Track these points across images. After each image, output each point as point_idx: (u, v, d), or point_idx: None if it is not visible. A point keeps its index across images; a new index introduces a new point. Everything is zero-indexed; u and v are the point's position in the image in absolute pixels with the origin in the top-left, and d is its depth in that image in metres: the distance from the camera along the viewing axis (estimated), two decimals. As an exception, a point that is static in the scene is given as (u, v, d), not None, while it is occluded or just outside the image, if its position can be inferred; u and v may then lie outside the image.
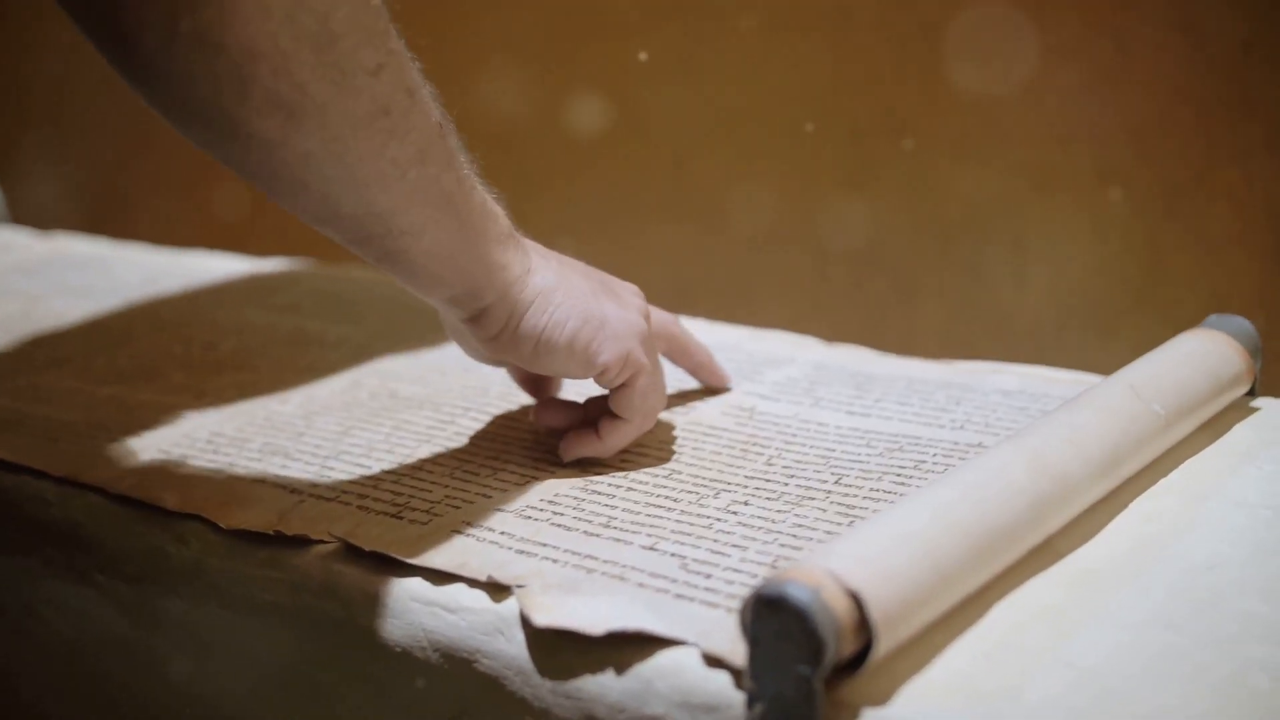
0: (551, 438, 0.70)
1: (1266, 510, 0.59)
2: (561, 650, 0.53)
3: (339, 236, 0.58)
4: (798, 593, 0.46)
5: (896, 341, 1.42)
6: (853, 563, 0.48)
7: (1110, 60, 1.31)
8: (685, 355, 0.75)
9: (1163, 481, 0.62)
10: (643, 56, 1.45)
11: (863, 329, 1.45)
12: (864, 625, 0.47)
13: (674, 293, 1.51)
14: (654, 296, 1.50)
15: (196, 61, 0.50)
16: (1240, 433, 0.67)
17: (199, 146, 0.54)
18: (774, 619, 0.46)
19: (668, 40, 1.47)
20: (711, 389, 0.77)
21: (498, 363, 0.69)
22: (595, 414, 0.68)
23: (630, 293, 0.69)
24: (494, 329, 0.64)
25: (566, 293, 0.65)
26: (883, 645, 0.47)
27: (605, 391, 0.68)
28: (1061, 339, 1.38)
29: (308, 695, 0.62)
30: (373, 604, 0.58)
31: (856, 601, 0.47)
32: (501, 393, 0.77)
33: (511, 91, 1.56)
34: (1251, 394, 0.72)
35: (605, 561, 0.57)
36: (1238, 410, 0.70)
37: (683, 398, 0.75)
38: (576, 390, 0.73)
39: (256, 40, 0.50)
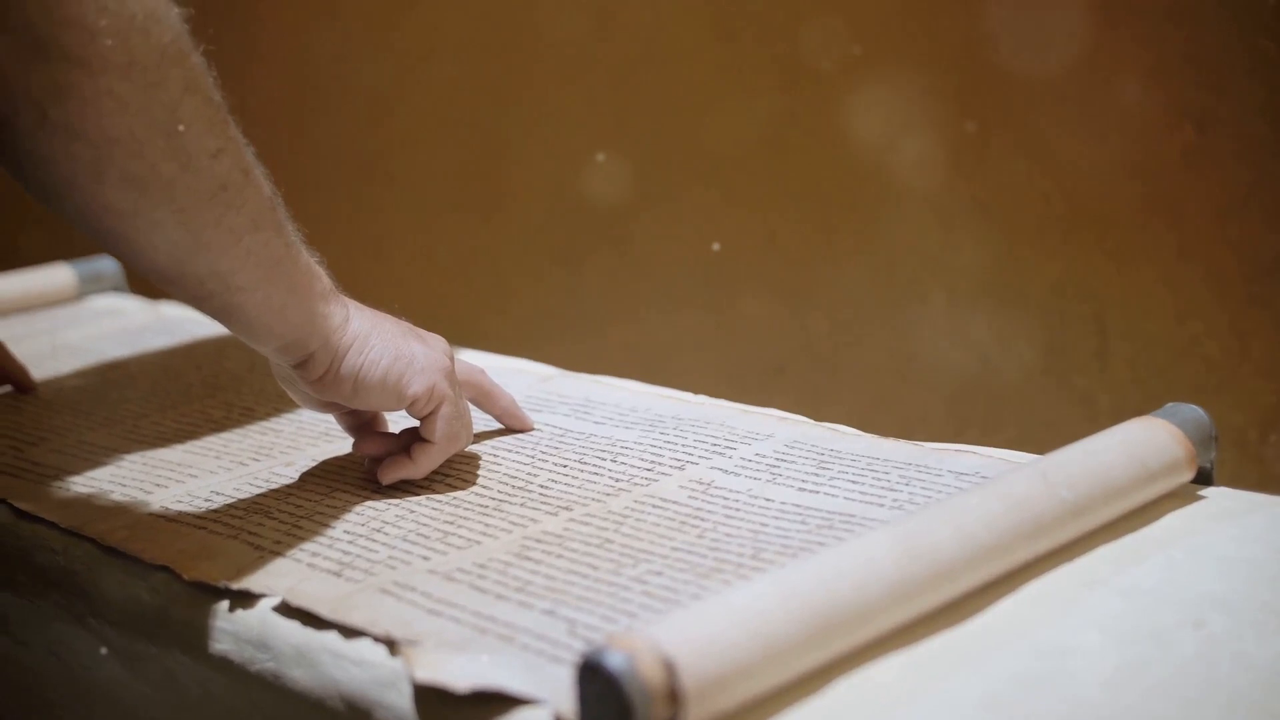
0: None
1: (1149, 598, 0.60)
2: (441, 705, 0.57)
3: (184, 294, 0.68)
4: (612, 659, 0.49)
5: (979, 423, 1.43)
6: (676, 633, 0.51)
7: (1192, 141, 1.31)
8: (490, 401, 0.85)
9: (1065, 566, 0.63)
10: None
11: (946, 411, 1.47)
12: (678, 693, 0.49)
13: (763, 366, 1.54)
14: (743, 369, 1.53)
15: (61, 145, 0.60)
16: (1169, 521, 0.68)
17: (65, 219, 0.63)
18: (594, 682, 0.50)
19: (761, 116, 1.51)
20: (675, 460, 0.79)
21: (324, 408, 0.78)
22: (408, 441, 0.79)
23: (435, 339, 0.79)
24: (318, 372, 0.74)
25: (379, 337, 0.75)
26: (693, 713, 0.50)
27: (417, 422, 0.78)
28: (1145, 420, 1.36)
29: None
30: (297, 656, 0.63)
31: (671, 670, 0.49)
32: (486, 462, 0.81)
33: (606, 168, 1.61)
34: (1205, 482, 0.72)
35: (502, 623, 0.61)
36: (1180, 498, 0.70)
37: (649, 471, 0.79)
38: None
39: (113, 129, 0.60)
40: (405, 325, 0.78)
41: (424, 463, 0.77)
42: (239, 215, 0.66)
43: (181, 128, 0.61)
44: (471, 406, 0.84)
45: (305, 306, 0.71)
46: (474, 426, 0.83)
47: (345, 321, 0.74)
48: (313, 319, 0.72)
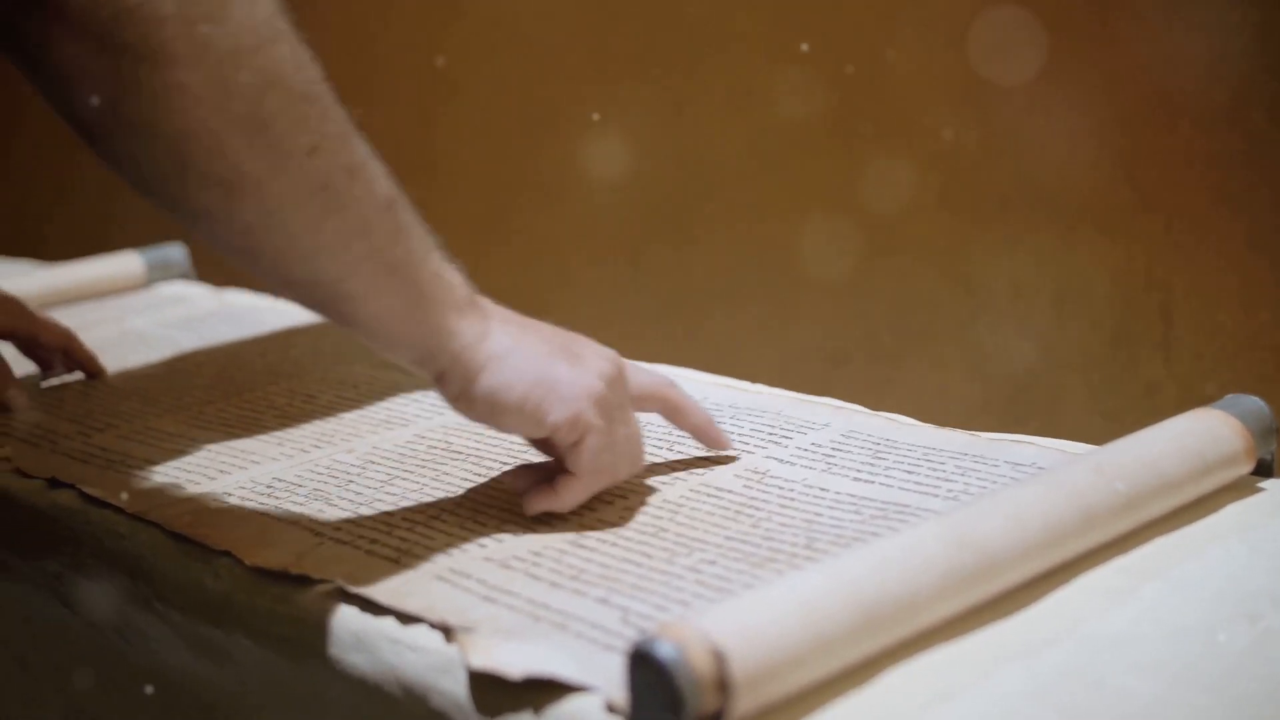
0: None
1: (1204, 592, 0.59)
2: (494, 690, 0.58)
3: (297, 300, 0.66)
4: (662, 648, 0.50)
5: (1042, 412, 1.42)
6: (726, 623, 0.51)
7: (1262, 128, 1.29)
8: (681, 417, 0.78)
9: (1120, 559, 0.63)
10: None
11: (1009, 401, 1.46)
12: (727, 683, 0.50)
13: (825, 357, 1.54)
14: (805, 360, 1.53)
15: (139, 144, 0.58)
16: (1228, 514, 0.68)
17: (173, 219, 0.62)
18: (645, 672, 0.50)
19: (823, 106, 1.50)
20: (731, 451, 0.80)
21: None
22: (557, 471, 0.72)
23: (597, 357, 0.71)
24: (454, 390, 0.69)
25: (520, 357, 0.69)
26: (742, 703, 0.50)
27: None
28: (1211, 410, 1.35)
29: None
30: (355, 642, 0.64)
31: (720, 659, 0.50)
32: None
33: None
34: (1265, 474, 0.72)
35: (556, 611, 0.61)
36: (1239, 490, 0.70)
37: (704, 461, 0.79)
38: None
39: (189, 124, 0.57)
40: (561, 341, 0.71)
41: (567, 496, 0.71)
42: (344, 219, 0.62)
43: (266, 123, 0.59)
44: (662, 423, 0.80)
45: (431, 319, 0.67)
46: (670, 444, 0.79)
47: (482, 338, 0.68)
48: (440, 334, 0.67)
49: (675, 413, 0.78)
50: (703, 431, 0.79)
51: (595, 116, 1.65)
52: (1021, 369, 1.45)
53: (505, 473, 0.76)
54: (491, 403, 0.69)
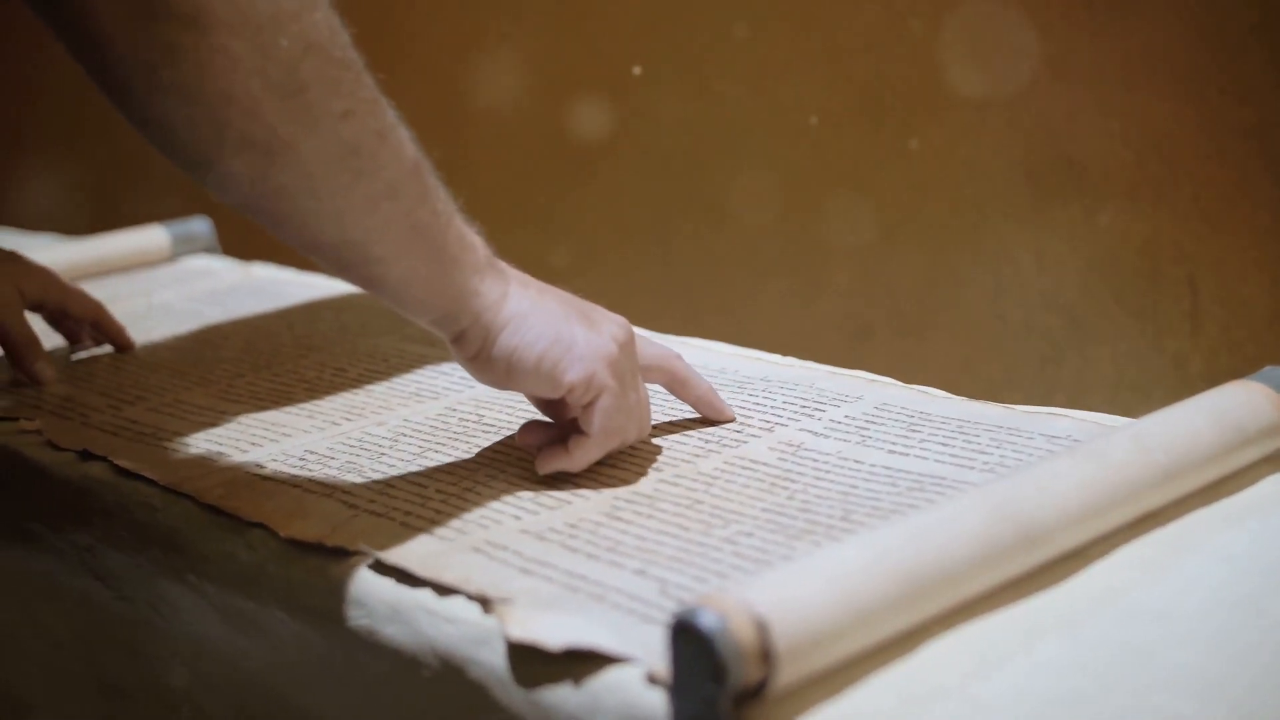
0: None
1: (1247, 563, 0.59)
2: (533, 662, 0.58)
3: (324, 263, 0.67)
4: (705, 618, 0.50)
5: (1068, 386, 1.42)
6: (768, 593, 0.51)
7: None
8: (684, 389, 0.80)
9: (1159, 530, 0.63)
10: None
11: (1036, 374, 1.45)
12: (770, 653, 0.50)
13: (853, 325, 1.53)
14: (831, 332, 1.52)
15: (178, 108, 0.59)
16: (1265, 485, 0.67)
17: (199, 182, 0.62)
18: (687, 642, 0.50)
19: (851, 78, 1.50)
20: (764, 422, 0.80)
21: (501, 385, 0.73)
22: (571, 432, 0.73)
23: (609, 322, 0.73)
24: (471, 350, 0.71)
25: (539, 317, 0.71)
26: (785, 673, 0.50)
27: None
28: (1238, 384, 1.34)
29: (356, 698, 0.68)
30: (391, 613, 0.64)
31: (764, 630, 0.50)
32: (574, 422, 0.82)
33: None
34: (1304, 446, 0.71)
35: (593, 582, 0.61)
36: (1277, 463, 0.69)
37: (738, 433, 0.79)
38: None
39: (227, 89, 0.58)
40: (575, 306, 0.73)
41: (579, 456, 0.72)
42: (373, 182, 0.64)
43: (302, 88, 0.60)
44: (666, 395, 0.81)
45: (454, 281, 0.68)
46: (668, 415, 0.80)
47: (502, 299, 0.70)
48: (463, 295, 0.69)
49: (679, 384, 0.80)
50: (706, 404, 0.80)
51: (621, 91, 1.65)
52: (1047, 342, 1.44)
53: (519, 431, 0.76)
54: (510, 362, 0.70)
